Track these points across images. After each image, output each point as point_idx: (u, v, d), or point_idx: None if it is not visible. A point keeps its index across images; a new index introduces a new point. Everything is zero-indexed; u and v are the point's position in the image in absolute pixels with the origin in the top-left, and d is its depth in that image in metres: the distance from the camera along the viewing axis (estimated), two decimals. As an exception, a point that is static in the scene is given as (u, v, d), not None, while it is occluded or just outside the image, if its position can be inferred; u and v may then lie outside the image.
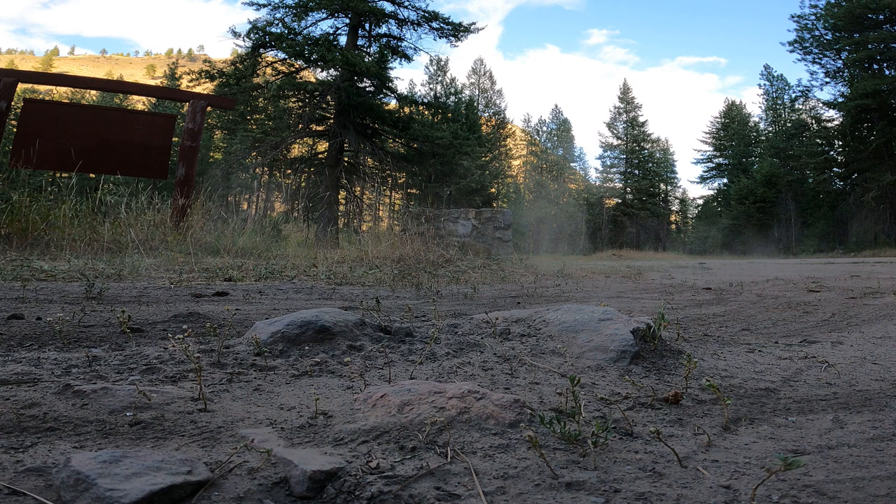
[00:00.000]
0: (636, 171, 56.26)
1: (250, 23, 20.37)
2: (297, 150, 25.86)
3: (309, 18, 20.88)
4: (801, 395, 1.84)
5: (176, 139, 12.97)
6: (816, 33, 38.33)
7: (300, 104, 22.54)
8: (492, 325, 2.64)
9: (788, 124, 48.73)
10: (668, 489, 1.07)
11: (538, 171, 56.15)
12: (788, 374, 2.11)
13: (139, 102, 34.90)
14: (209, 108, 11.78)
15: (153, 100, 32.69)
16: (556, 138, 58.80)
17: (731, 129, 53.92)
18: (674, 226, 60.17)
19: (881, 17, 35.43)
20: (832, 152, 42.84)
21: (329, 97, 21.18)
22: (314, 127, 22.03)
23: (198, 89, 20.54)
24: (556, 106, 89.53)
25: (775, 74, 51.27)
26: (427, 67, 48.63)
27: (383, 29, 22.52)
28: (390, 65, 21.08)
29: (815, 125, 44.23)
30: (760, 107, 54.24)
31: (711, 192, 56.41)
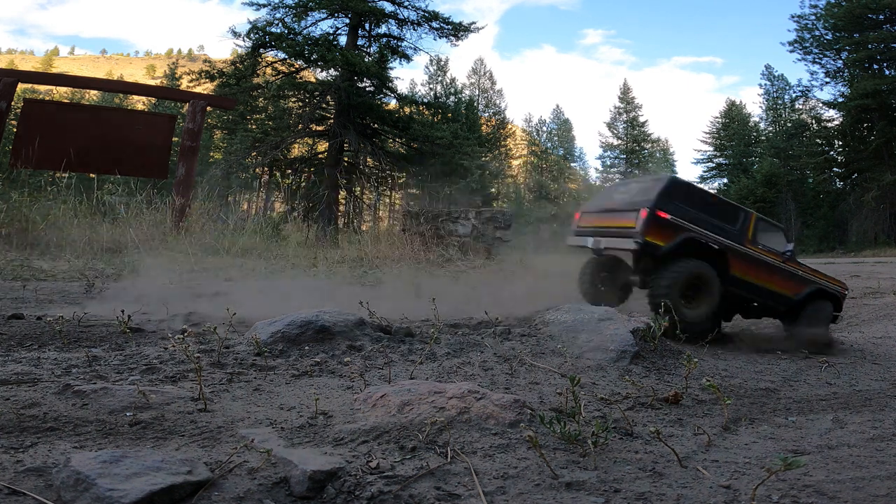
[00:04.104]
0: (636, 171, 56.20)
1: (250, 23, 20.34)
2: (297, 150, 25.82)
3: (309, 18, 20.85)
4: (801, 394, 1.84)
5: (176, 139, 12.96)
6: (816, 33, 38.28)
7: (300, 104, 22.51)
8: (492, 325, 2.64)
9: (788, 124, 48.68)
10: (668, 489, 1.07)
11: (538, 171, 56.09)
12: (788, 374, 2.11)
13: (139, 102, 34.87)
14: (209, 108, 11.77)
15: (153, 100, 32.66)
16: (556, 138, 58.72)
17: (731, 129, 53.86)
18: (674, 226, 60.12)
19: (881, 17, 35.39)
20: (832, 152, 42.75)
21: (329, 97, 21.16)
22: (314, 127, 22.01)
23: (198, 89, 20.51)
24: (558, 106, 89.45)
25: (776, 74, 51.21)
26: (427, 67, 48.54)
27: (383, 29, 22.49)
28: (390, 65, 21.06)
29: (815, 125, 44.15)
30: (761, 107, 54.12)
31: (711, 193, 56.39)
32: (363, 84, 21.14)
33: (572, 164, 59.13)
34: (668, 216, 3.24)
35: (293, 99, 22.43)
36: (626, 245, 3.33)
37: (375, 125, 21.87)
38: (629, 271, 3.73)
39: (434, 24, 21.57)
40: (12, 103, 9.61)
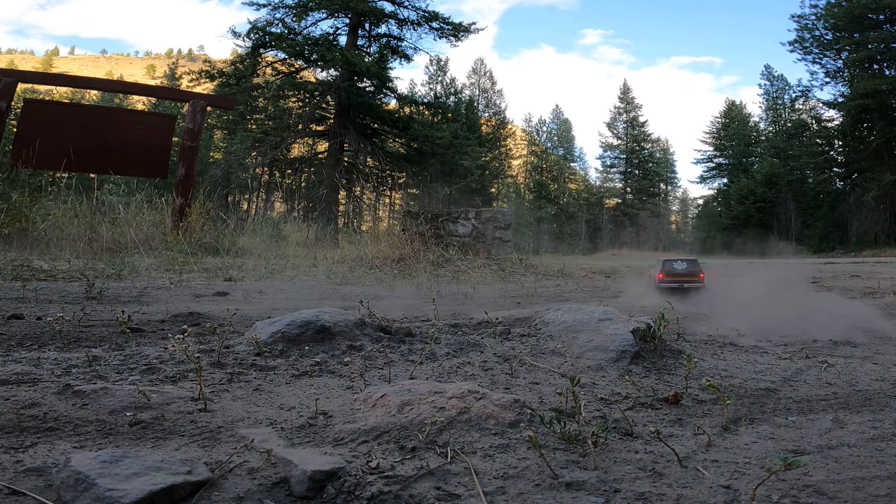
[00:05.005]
0: (636, 171, 56.27)
1: (250, 23, 20.36)
2: (297, 150, 25.85)
3: (309, 18, 20.87)
4: (801, 395, 1.84)
5: (176, 139, 12.97)
6: (816, 33, 38.34)
7: (300, 104, 22.54)
8: (492, 325, 2.64)
9: (788, 124, 48.71)
10: (668, 489, 1.07)
11: (538, 171, 56.11)
12: (788, 374, 2.11)
13: (139, 102, 34.89)
14: (209, 108, 11.78)
15: (153, 100, 32.69)
16: (556, 138, 58.76)
17: (731, 129, 53.90)
18: (674, 226, 60.18)
19: (881, 17, 35.43)
20: (832, 152, 42.80)
21: (329, 97, 21.18)
22: (314, 127, 22.03)
23: (198, 89, 20.53)
24: (557, 106, 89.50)
25: (776, 74, 51.21)
26: (427, 67, 48.57)
27: (383, 29, 22.52)
28: (390, 65, 21.07)
29: (815, 125, 44.20)
30: (760, 107, 54.16)
31: (711, 192, 56.37)
32: (363, 84, 21.16)
33: (572, 164, 59.17)
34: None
35: (293, 99, 22.46)
36: (698, 286, 6.42)
37: (375, 125, 21.89)
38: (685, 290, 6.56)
39: (434, 25, 21.59)
40: (12, 103, 9.61)
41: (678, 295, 6.17)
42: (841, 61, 38.39)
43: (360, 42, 22.33)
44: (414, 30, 21.97)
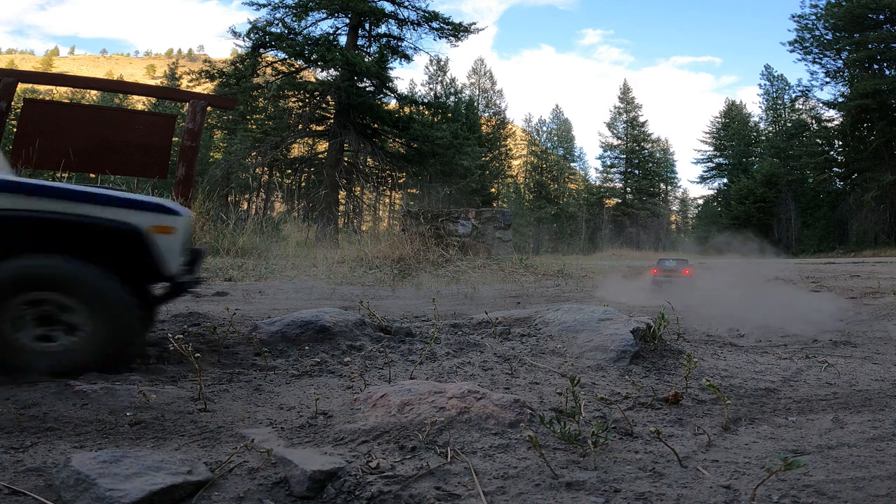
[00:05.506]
0: (636, 171, 56.20)
1: (250, 23, 20.35)
2: (297, 150, 25.85)
3: (309, 18, 20.85)
4: (801, 395, 1.84)
5: (176, 139, 12.95)
6: (816, 33, 38.28)
7: (300, 104, 22.53)
8: (492, 325, 2.64)
9: (788, 124, 48.66)
10: (668, 489, 1.07)
11: (538, 171, 56.06)
12: (788, 374, 2.11)
13: (139, 102, 34.86)
14: (209, 108, 11.76)
15: (153, 100, 32.64)
16: (556, 138, 58.70)
17: (732, 129, 53.85)
18: (674, 226, 60.13)
19: (881, 17, 35.39)
20: (832, 152, 42.72)
21: (329, 97, 21.17)
22: (314, 127, 22.03)
23: (198, 89, 20.53)
24: (557, 106, 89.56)
25: (775, 74, 51.15)
26: (427, 67, 48.50)
27: (383, 29, 22.50)
28: (390, 65, 21.04)
29: (815, 125, 44.13)
30: (760, 107, 54.14)
31: (711, 192, 56.30)
32: (363, 84, 21.14)
33: (572, 164, 59.09)
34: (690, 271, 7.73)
35: (293, 99, 22.44)
36: (683, 279, 7.28)
37: (375, 125, 21.86)
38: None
39: (434, 25, 21.57)
40: (12, 103, 9.60)
41: (663, 286, 7.51)
42: (841, 61, 38.35)
43: (360, 42, 22.31)
44: (414, 30, 21.96)
